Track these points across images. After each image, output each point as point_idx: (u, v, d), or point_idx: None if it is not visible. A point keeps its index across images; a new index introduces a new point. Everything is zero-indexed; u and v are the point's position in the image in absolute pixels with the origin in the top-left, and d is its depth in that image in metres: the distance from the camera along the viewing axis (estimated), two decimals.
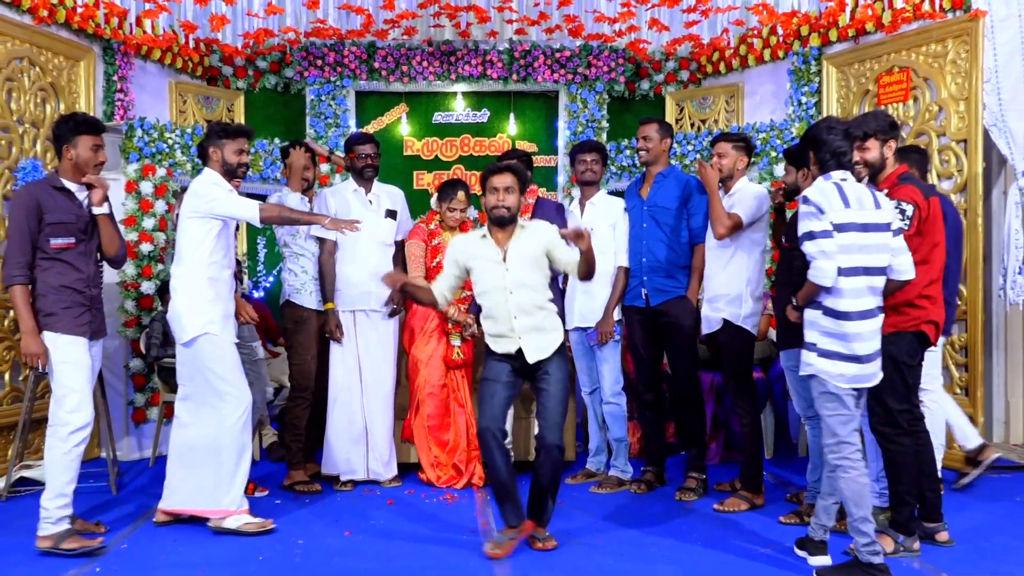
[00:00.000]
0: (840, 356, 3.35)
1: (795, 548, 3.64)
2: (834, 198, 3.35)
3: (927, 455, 3.71)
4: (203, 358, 3.92)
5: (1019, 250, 5.02)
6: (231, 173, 4.08)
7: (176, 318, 3.95)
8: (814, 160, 3.50)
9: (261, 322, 5.18)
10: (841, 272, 3.31)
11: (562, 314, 4.98)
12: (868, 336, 3.35)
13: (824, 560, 3.52)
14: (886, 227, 3.38)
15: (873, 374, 3.40)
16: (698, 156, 6.41)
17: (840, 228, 3.33)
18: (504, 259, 3.72)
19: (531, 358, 3.72)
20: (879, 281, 3.39)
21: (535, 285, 3.73)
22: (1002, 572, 3.44)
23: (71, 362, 3.69)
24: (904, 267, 3.41)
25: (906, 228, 3.52)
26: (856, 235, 3.34)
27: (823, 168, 3.46)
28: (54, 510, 3.63)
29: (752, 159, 4.61)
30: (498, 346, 3.78)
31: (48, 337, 3.68)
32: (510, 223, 3.74)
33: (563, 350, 3.80)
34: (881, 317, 3.42)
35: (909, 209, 3.54)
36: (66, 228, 3.73)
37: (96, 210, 3.82)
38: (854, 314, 3.32)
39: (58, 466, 3.63)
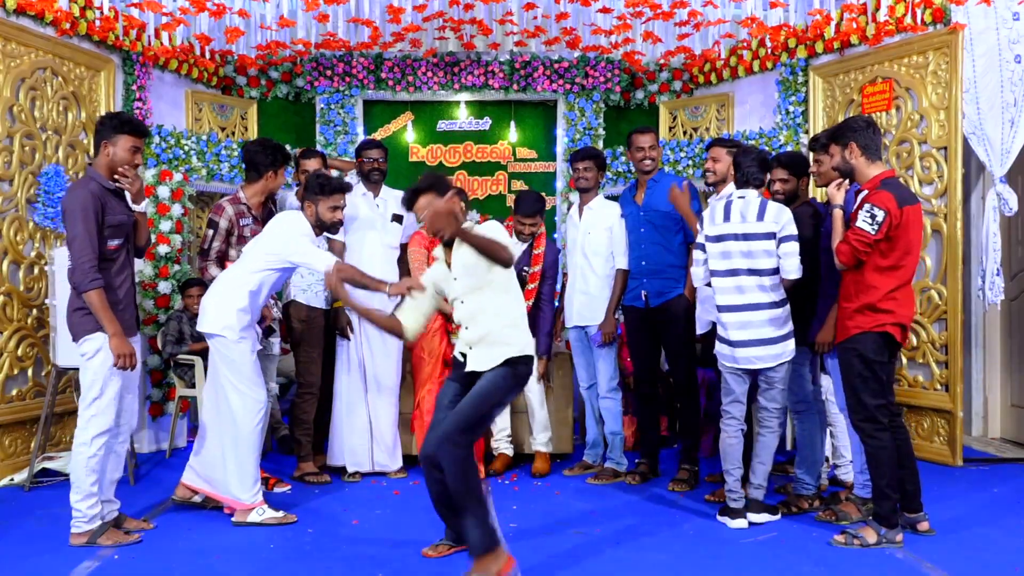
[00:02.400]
0: (720, 339, 3.96)
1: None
2: (718, 214, 3.92)
3: (906, 448, 3.69)
4: (217, 356, 3.93)
5: (997, 252, 5.01)
6: (323, 228, 4.01)
7: (205, 308, 3.94)
8: (735, 179, 4.02)
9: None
10: (719, 273, 3.91)
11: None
12: (740, 326, 3.85)
13: (767, 517, 3.88)
14: (769, 236, 3.82)
15: (749, 359, 3.85)
16: (690, 162, 6.41)
17: (715, 239, 3.91)
18: (451, 269, 3.39)
19: (470, 366, 3.35)
20: (766, 280, 3.84)
21: (485, 290, 3.32)
22: (982, 561, 3.43)
23: (115, 367, 3.60)
24: (789, 268, 3.81)
25: (873, 232, 3.47)
26: (734, 243, 3.85)
27: (737, 185, 3.98)
28: (86, 510, 3.58)
29: None
30: (457, 350, 3.47)
31: (101, 338, 3.56)
32: (449, 243, 3.36)
33: (510, 363, 3.28)
34: (768, 312, 3.83)
35: (880, 215, 3.47)
36: (121, 230, 3.65)
37: (139, 207, 3.73)
38: (723, 307, 3.90)
39: (84, 469, 3.56)
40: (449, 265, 3.41)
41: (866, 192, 3.59)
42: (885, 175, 3.64)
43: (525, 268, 4.82)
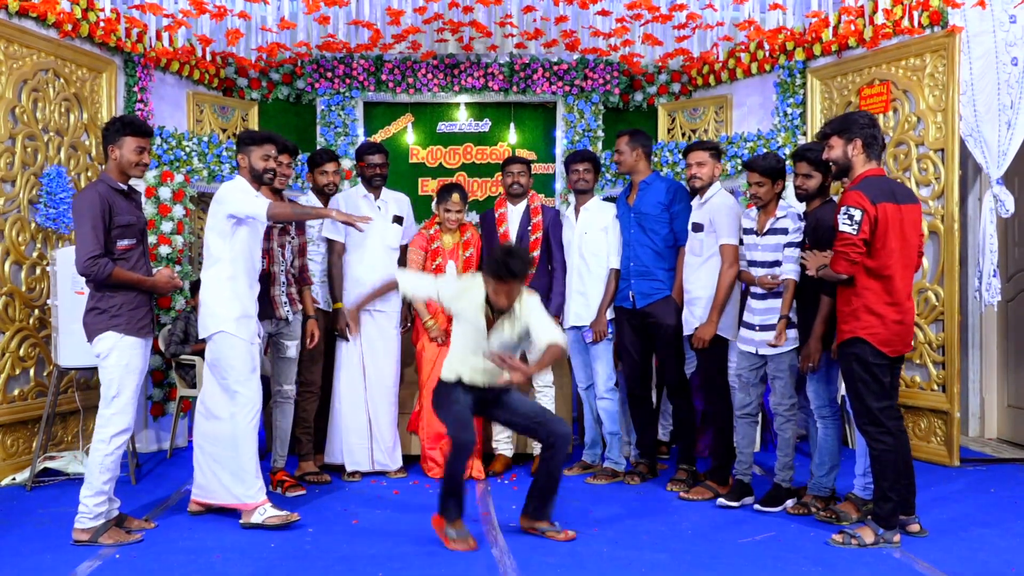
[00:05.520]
0: None
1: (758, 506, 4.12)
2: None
3: (904, 453, 3.68)
4: (218, 355, 3.88)
5: (993, 254, 5.02)
6: (258, 179, 4.00)
7: (201, 315, 3.94)
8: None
9: None
10: None
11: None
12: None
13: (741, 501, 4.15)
14: None
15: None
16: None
17: None
18: (491, 327, 3.76)
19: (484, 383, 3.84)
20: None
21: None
22: (979, 561, 3.43)
23: (129, 366, 3.61)
24: None
25: (854, 232, 3.44)
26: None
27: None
28: (93, 507, 3.58)
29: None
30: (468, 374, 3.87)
31: (112, 338, 3.58)
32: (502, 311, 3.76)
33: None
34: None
35: (857, 214, 3.44)
36: (131, 230, 3.66)
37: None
38: None
39: (100, 467, 3.56)
40: (489, 321, 3.70)
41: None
42: (867, 173, 3.60)
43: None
